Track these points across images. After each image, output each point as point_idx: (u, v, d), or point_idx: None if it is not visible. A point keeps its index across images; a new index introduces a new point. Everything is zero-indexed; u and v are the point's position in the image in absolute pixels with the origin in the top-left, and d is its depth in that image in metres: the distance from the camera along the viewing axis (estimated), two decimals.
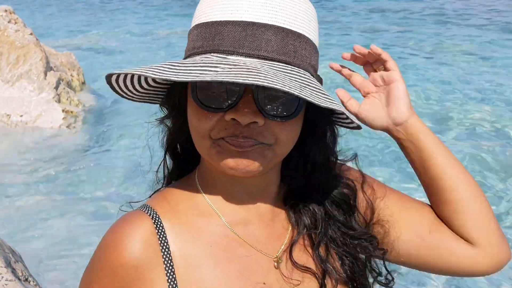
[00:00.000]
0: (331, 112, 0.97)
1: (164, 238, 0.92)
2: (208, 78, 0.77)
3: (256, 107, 0.86)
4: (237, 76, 0.77)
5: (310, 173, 1.03)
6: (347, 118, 0.93)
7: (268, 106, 0.86)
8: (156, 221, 0.93)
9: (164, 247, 0.92)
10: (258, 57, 0.84)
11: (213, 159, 0.91)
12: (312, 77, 0.90)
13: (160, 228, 0.93)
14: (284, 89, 0.77)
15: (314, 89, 0.85)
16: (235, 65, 0.80)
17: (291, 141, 0.93)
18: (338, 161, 1.10)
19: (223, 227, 0.98)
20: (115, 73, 0.90)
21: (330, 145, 1.04)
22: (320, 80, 0.97)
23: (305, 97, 0.79)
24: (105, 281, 0.88)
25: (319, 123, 0.99)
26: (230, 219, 0.98)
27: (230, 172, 0.90)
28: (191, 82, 0.87)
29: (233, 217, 0.99)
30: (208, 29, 0.86)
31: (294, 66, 0.87)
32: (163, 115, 1.03)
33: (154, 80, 0.96)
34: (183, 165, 1.06)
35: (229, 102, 0.86)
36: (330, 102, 0.85)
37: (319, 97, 0.84)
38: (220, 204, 0.99)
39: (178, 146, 1.05)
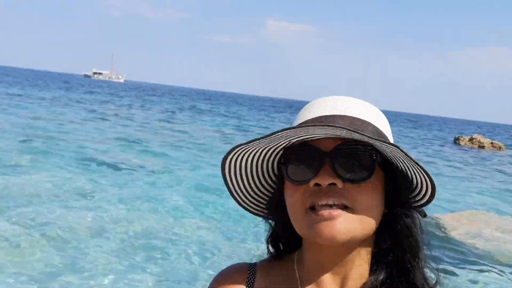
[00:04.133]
0: (407, 188, 1.02)
1: (251, 284, 1.11)
2: (288, 137, 0.95)
3: (333, 172, 0.96)
4: (320, 132, 0.93)
5: (395, 261, 1.02)
6: (419, 191, 1.01)
7: (344, 171, 0.96)
8: (251, 270, 1.13)
9: (250, 286, 1.11)
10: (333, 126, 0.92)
11: (304, 231, 0.98)
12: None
13: (252, 275, 1.12)
14: (354, 133, 0.89)
15: (382, 142, 0.92)
16: (315, 128, 0.92)
17: (367, 204, 0.97)
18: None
19: None
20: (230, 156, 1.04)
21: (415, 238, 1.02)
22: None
23: (370, 140, 0.91)
24: None
25: (394, 192, 1.02)
26: None
27: (317, 240, 0.96)
28: (283, 167, 1.02)
29: None
30: (294, 129, 0.95)
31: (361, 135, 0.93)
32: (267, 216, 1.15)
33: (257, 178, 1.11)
34: (284, 252, 1.15)
35: (312, 173, 0.97)
36: (394, 148, 0.92)
37: (384, 144, 0.92)
38: (305, 280, 1.07)
39: (281, 245, 1.14)
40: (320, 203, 0.96)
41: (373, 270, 1.03)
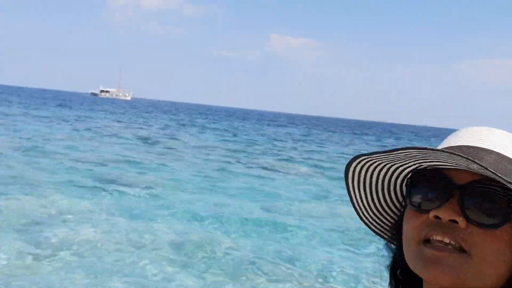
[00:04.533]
0: None
1: None
2: (427, 155, 0.85)
3: (459, 208, 0.84)
4: (452, 161, 0.82)
5: None
6: None
7: (472, 210, 0.84)
8: None
9: None
10: (473, 162, 0.80)
11: (412, 262, 0.89)
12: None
13: None
14: (497, 174, 0.78)
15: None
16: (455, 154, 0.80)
17: (491, 256, 0.83)
18: None
19: None
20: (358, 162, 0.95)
21: None
22: None
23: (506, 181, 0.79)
24: None
25: None
26: None
27: (421, 276, 0.87)
28: (407, 190, 0.93)
29: None
30: (421, 149, 0.86)
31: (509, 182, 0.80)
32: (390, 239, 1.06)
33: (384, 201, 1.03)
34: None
35: (437, 203, 0.87)
36: None
37: None
38: None
39: (399, 273, 1.02)
40: (435, 237, 0.86)
41: None
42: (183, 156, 21.02)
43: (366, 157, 0.92)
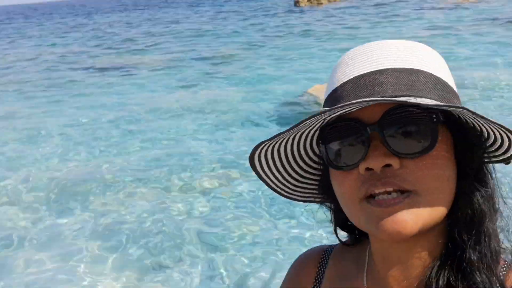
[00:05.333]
0: (479, 144, 0.84)
1: (323, 269, 1.04)
2: (318, 116, 0.77)
3: (387, 149, 0.78)
4: (343, 108, 0.75)
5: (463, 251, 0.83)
6: (499, 146, 0.82)
7: (400, 145, 0.78)
8: (326, 255, 1.06)
9: (321, 270, 1.04)
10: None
11: (362, 225, 0.84)
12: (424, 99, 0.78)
13: (324, 261, 1.05)
14: (398, 99, 0.73)
15: (439, 104, 0.75)
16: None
17: (435, 183, 0.79)
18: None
19: None
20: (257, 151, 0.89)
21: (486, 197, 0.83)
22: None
23: (414, 102, 0.74)
24: (284, 279, 1.12)
25: (467, 160, 0.83)
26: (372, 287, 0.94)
27: (380, 236, 0.80)
28: (322, 150, 0.86)
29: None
30: (328, 100, 0.85)
31: (413, 97, 0.78)
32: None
33: (298, 164, 0.96)
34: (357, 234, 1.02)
35: (360, 154, 0.80)
36: (449, 105, 0.74)
37: (436, 104, 0.75)
38: (370, 268, 0.95)
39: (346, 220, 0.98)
40: (377, 191, 0.79)
41: (438, 258, 0.85)
42: None
43: (267, 142, 0.87)
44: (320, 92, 8.73)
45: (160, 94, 10.97)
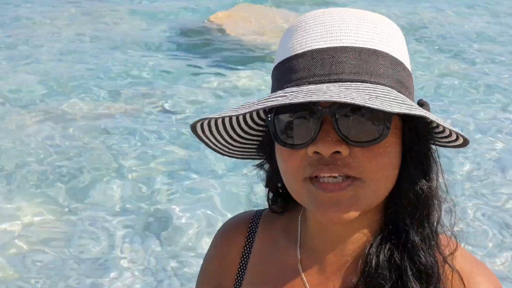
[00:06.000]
0: (428, 134, 0.85)
1: (251, 239, 1.02)
2: (269, 103, 0.75)
3: (338, 135, 0.78)
4: (298, 98, 0.72)
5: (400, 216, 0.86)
6: (448, 135, 0.84)
7: (351, 133, 0.78)
8: (255, 220, 1.04)
9: (250, 240, 1.02)
10: (329, 81, 0.77)
11: (305, 203, 0.85)
12: (395, 91, 0.79)
13: (254, 227, 1.03)
14: (343, 100, 0.70)
15: (393, 100, 0.75)
16: (301, 91, 0.75)
17: (382, 172, 0.81)
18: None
19: (293, 267, 0.95)
20: (198, 121, 0.87)
21: (430, 175, 0.86)
22: (422, 104, 0.86)
23: (373, 106, 0.70)
24: (210, 248, 1.09)
25: (414, 148, 0.84)
26: (306, 260, 0.94)
27: (321, 219, 0.84)
28: (269, 121, 0.83)
29: (309, 261, 0.94)
30: (281, 68, 0.82)
31: (371, 83, 0.78)
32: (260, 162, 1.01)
33: (243, 129, 0.94)
34: (289, 201, 0.99)
35: (310, 135, 0.79)
36: (409, 108, 0.74)
37: (396, 105, 0.73)
38: (304, 239, 0.96)
39: (279, 187, 0.99)
40: (322, 175, 0.80)
41: (378, 234, 0.88)
42: None
43: (209, 119, 0.85)
44: (223, 20, 8.26)
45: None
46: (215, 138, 0.94)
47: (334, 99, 0.70)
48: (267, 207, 1.04)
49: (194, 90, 6.22)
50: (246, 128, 0.94)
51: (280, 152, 0.84)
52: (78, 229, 3.84)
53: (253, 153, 1.01)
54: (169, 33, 8.52)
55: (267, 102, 0.76)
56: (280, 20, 8.49)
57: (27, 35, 8.16)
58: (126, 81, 6.48)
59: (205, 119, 0.85)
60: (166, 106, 5.78)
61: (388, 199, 0.86)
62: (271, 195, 1.02)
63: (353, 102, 0.70)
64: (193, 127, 0.88)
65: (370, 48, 0.79)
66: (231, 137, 0.95)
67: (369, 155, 0.79)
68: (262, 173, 1.01)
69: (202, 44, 7.82)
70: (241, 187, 4.15)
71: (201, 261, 1.11)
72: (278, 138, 0.82)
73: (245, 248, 1.02)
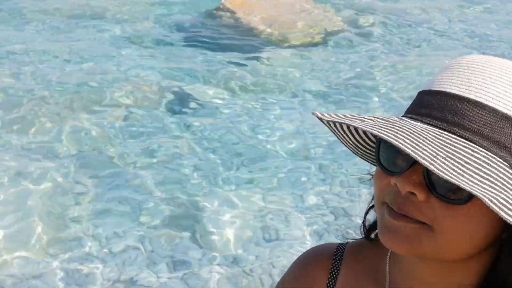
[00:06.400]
0: None
1: (335, 275, 0.99)
2: (375, 131, 0.72)
3: (423, 179, 0.75)
4: (373, 129, 0.72)
5: None
6: None
7: (437, 183, 0.74)
8: (338, 255, 1.00)
9: (333, 277, 0.99)
10: (431, 124, 0.75)
11: (377, 221, 0.85)
12: (496, 158, 0.72)
13: (337, 263, 0.99)
14: (426, 164, 0.67)
15: (475, 167, 0.69)
16: (392, 122, 0.75)
17: (456, 235, 0.76)
18: None
19: None
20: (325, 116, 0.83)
21: None
22: None
23: (457, 182, 0.67)
24: (286, 279, 1.06)
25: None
26: None
27: (383, 244, 0.82)
28: (376, 142, 0.84)
29: None
30: (419, 96, 0.81)
31: (467, 140, 0.72)
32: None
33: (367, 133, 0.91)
34: None
35: (400, 167, 0.78)
36: (502, 208, 0.68)
37: (489, 195, 0.67)
38: (393, 281, 0.92)
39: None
40: (393, 207, 0.78)
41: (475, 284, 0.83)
42: None
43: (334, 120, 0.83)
44: (238, 6, 8.05)
45: None
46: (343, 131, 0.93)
47: (419, 159, 0.68)
48: (348, 240, 1.02)
49: (210, 77, 6.07)
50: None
51: (376, 171, 0.84)
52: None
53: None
54: (180, 20, 8.35)
55: (373, 127, 0.74)
56: (297, 6, 8.27)
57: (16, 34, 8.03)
58: (135, 70, 6.30)
59: (328, 118, 0.82)
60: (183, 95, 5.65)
61: (499, 251, 0.80)
62: (367, 221, 0.99)
63: (435, 171, 0.67)
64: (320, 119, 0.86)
65: (506, 114, 0.74)
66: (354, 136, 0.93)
67: (447, 211, 0.74)
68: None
69: (214, 30, 7.66)
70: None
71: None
72: (377, 155, 0.82)
73: (328, 284, 0.99)
